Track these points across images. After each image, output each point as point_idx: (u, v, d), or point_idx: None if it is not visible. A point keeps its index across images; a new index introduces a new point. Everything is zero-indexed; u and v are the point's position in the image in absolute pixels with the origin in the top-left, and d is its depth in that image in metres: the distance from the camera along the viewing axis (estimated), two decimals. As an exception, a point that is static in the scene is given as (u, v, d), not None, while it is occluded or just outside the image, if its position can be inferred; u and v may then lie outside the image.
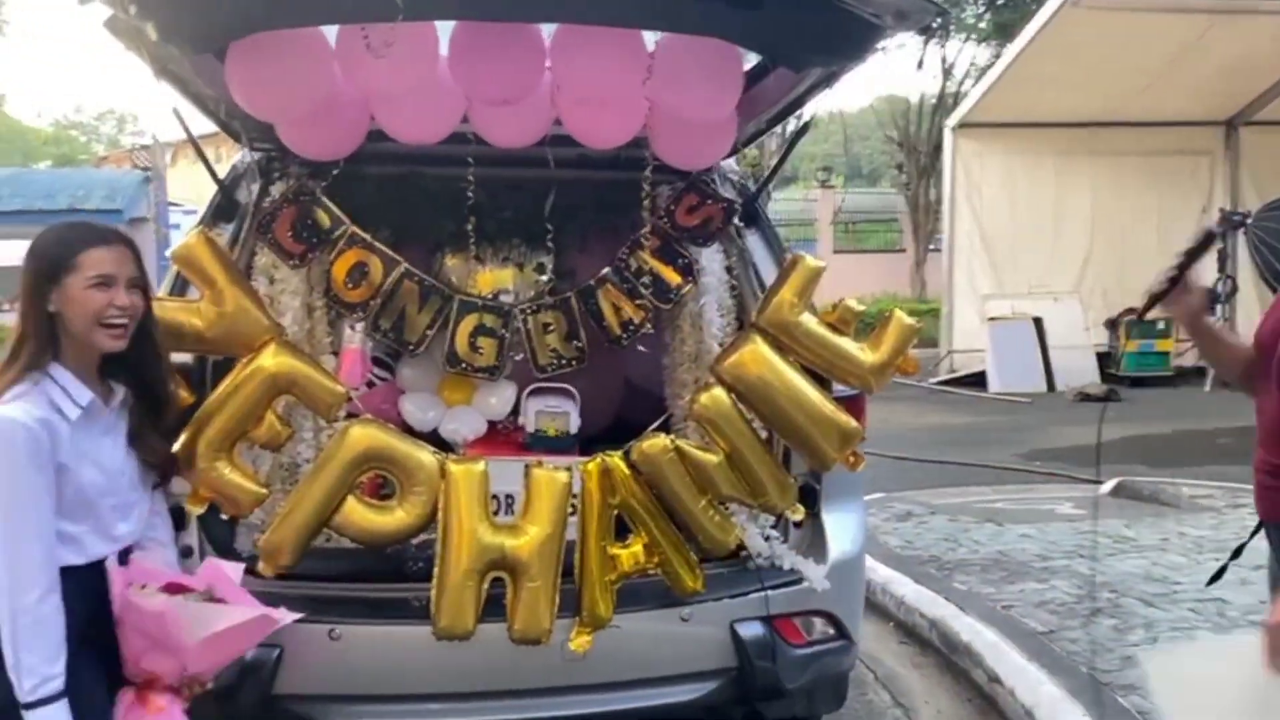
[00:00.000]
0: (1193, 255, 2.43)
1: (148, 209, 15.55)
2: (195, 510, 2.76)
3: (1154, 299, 2.46)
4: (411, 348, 3.40)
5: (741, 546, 3.03)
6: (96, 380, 2.25)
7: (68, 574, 2.17)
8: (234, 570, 2.50)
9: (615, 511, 2.82)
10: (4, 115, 39.36)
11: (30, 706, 2.05)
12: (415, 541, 2.87)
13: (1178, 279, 2.42)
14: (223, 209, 3.30)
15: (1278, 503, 2.41)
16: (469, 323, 3.37)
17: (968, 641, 4.27)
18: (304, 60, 2.64)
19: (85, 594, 2.21)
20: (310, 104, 2.79)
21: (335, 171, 3.25)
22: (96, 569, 2.23)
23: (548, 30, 2.70)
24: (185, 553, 2.97)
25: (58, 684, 2.08)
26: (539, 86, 2.82)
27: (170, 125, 3.04)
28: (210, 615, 2.29)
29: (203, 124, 3.25)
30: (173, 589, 2.32)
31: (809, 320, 2.85)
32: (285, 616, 2.46)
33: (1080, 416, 10.47)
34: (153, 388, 2.34)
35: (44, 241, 2.18)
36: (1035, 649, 4.12)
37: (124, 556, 2.32)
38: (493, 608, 2.69)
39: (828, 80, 2.84)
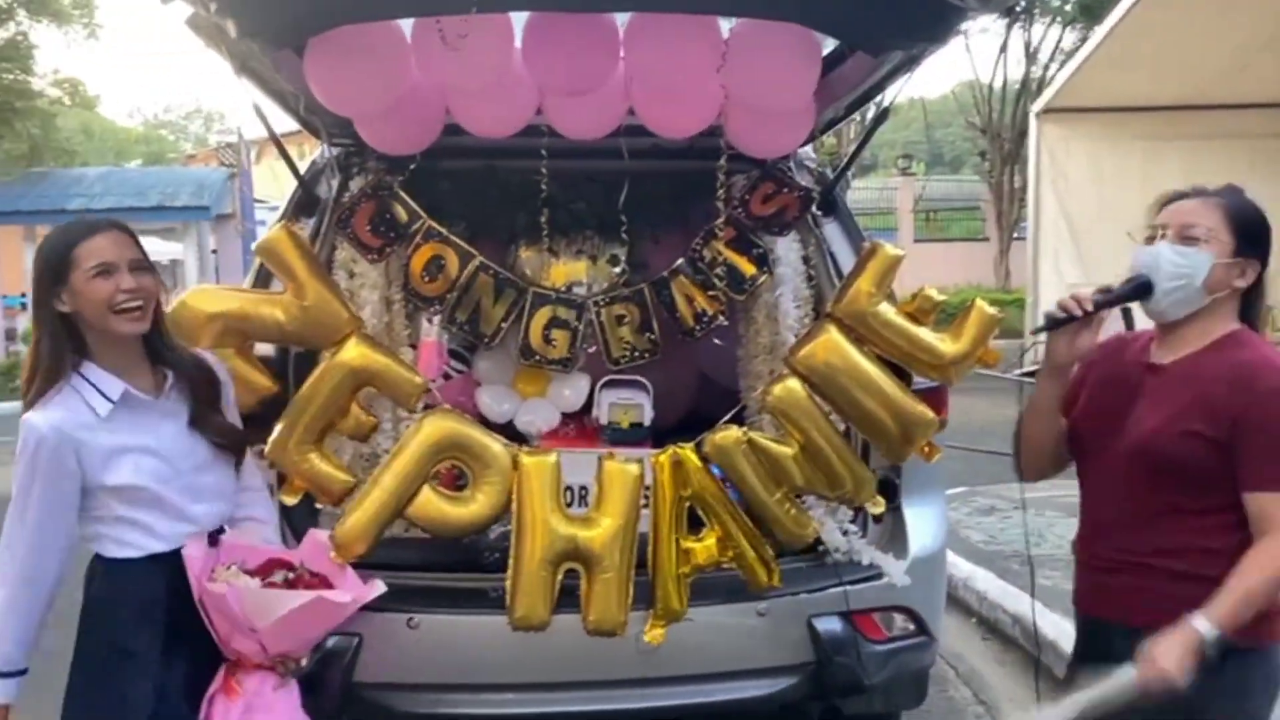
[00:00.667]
0: (1122, 299, 2.13)
1: (233, 205, 15.91)
2: (290, 500, 2.81)
3: (1057, 323, 2.13)
4: (487, 340, 3.42)
5: (819, 541, 2.99)
6: (145, 369, 2.27)
7: (150, 561, 2.24)
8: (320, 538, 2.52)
9: (687, 504, 2.80)
10: (98, 116, 40.58)
11: None
12: (493, 534, 2.89)
13: (1092, 314, 2.10)
14: (303, 204, 3.36)
15: (1122, 600, 2.13)
16: (543, 315, 3.38)
17: (1052, 638, 4.16)
18: (381, 55, 2.66)
19: (169, 580, 2.25)
20: (387, 98, 2.81)
21: (412, 166, 3.28)
22: (179, 555, 2.27)
23: (621, 19, 2.68)
24: (268, 542, 3.04)
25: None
26: (612, 76, 2.81)
27: (255, 123, 3.09)
28: (273, 601, 2.27)
29: (285, 122, 3.30)
30: (270, 565, 2.36)
31: (886, 310, 2.79)
32: (356, 595, 2.43)
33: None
34: (185, 367, 2.33)
35: (44, 246, 2.22)
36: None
37: (215, 537, 2.35)
38: (568, 599, 2.70)
39: (908, 65, 2.77)
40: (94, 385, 2.17)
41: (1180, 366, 2.08)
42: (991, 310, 2.78)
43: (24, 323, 15.22)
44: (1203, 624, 1.88)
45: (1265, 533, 1.96)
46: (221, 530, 2.38)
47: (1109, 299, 2.11)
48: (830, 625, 2.97)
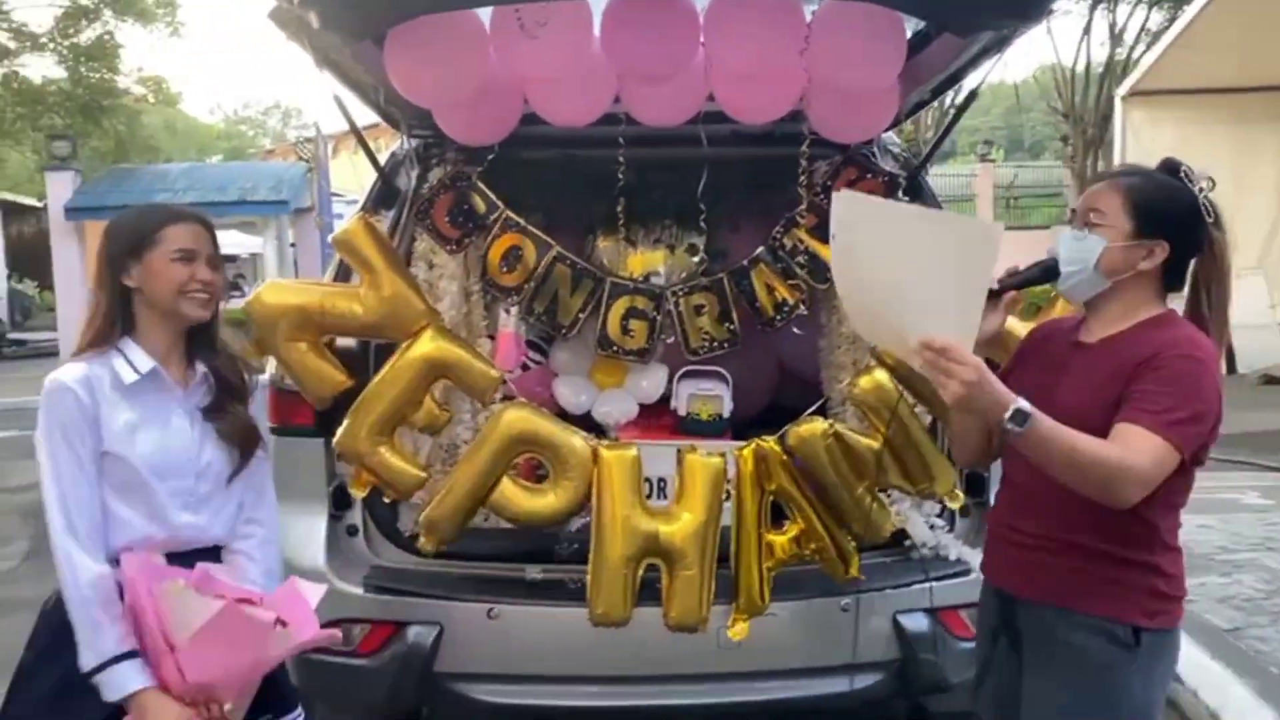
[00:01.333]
0: (1028, 281, 2.09)
1: (311, 199, 16.16)
2: (358, 494, 2.83)
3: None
4: (564, 331, 3.40)
5: (905, 536, 2.93)
6: (179, 362, 2.20)
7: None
8: (313, 593, 2.15)
9: (770, 497, 2.76)
10: (181, 113, 41.60)
11: (91, 674, 1.99)
12: (573, 526, 2.88)
13: (998, 293, 2.06)
14: (383, 196, 3.37)
15: (1052, 579, 2.04)
16: (620, 305, 3.35)
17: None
18: (460, 44, 2.65)
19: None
20: (466, 88, 2.80)
21: (490, 156, 3.27)
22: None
23: (701, 3, 2.64)
24: (351, 531, 3.07)
25: (110, 648, 1.99)
26: (692, 62, 2.76)
27: (332, 118, 3.11)
28: (190, 606, 1.95)
29: (362, 114, 3.31)
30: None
31: (976, 299, 2.71)
32: (292, 627, 2.02)
33: (1265, 401, 9.80)
34: (221, 363, 2.24)
35: (123, 220, 2.20)
36: (1219, 647, 3.87)
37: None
38: (649, 591, 2.67)
39: (997, 46, 2.69)
40: (126, 358, 2.13)
41: (1103, 345, 2.05)
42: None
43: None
44: (1024, 405, 1.79)
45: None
46: (209, 552, 2.20)
47: (1015, 281, 2.10)
48: (916, 621, 2.91)
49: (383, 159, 3.45)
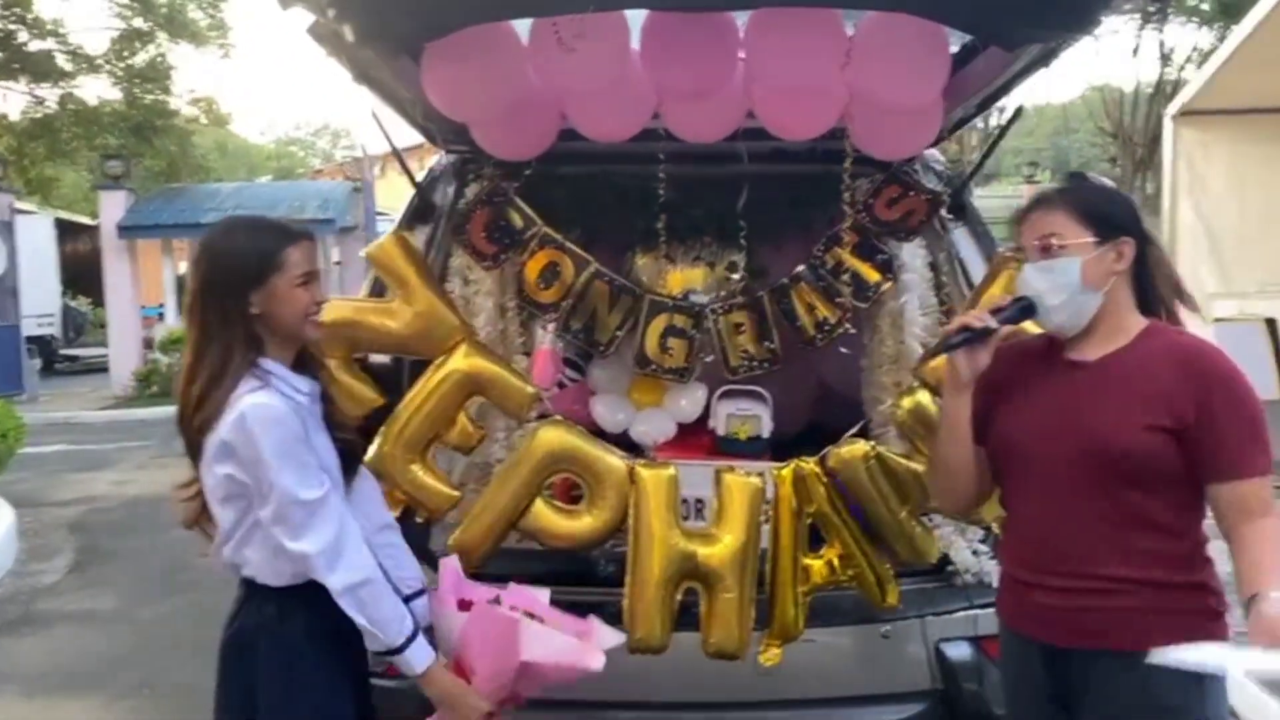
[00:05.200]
0: (1011, 320, 2.06)
1: (356, 218, 16.32)
2: (391, 513, 2.79)
3: (968, 340, 2.04)
4: (602, 349, 3.36)
5: (948, 561, 2.85)
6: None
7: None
8: (543, 595, 2.53)
9: (809, 520, 2.69)
10: (232, 134, 42.20)
11: (397, 652, 2.12)
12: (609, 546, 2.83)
13: (995, 330, 2.04)
14: (420, 211, 3.36)
15: (1084, 623, 1.97)
16: (659, 323, 3.31)
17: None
18: (497, 59, 2.63)
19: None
20: (503, 103, 2.78)
21: (528, 172, 3.25)
22: None
23: (741, 17, 2.60)
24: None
25: (409, 626, 2.14)
26: (732, 78, 2.73)
27: (378, 139, 3.10)
28: (552, 644, 2.31)
29: (406, 136, 3.31)
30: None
31: (1021, 320, 2.64)
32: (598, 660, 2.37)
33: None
34: (325, 381, 2.28)
35: (235, 243, 2.09)
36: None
37: None
38: (687, 617, 2.61)
39: (1044, 59, 2.62)
40: (285, 380, 2.09)
41: (1112, 362, 1.98)
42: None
43: (160, 332, 15.82)
44: (1276, 592, 1.74)
45: (1249, 517, 1.86)
46: None
47: (1002, 319, 2.06)
48: (959, 650, 2.82)
49: (423, 176, 3.45)
